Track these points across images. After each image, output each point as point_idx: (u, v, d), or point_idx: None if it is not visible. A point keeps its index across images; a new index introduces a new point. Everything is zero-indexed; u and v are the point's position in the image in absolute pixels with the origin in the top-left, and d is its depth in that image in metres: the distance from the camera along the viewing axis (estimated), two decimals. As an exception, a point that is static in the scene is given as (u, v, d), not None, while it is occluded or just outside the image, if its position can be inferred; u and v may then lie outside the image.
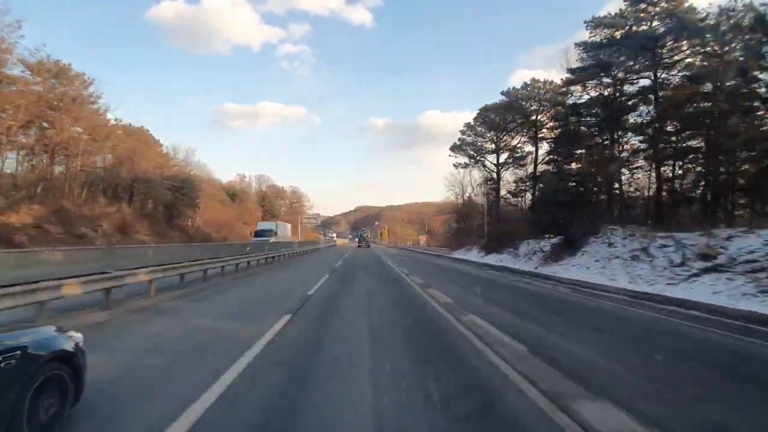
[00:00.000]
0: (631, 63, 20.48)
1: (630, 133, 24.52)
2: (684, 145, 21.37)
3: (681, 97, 19.44)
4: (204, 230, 48.91)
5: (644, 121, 21.13)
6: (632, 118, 23.81)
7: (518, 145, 38.10)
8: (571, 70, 23.68)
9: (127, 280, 8.11)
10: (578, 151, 30.99)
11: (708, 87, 19.42)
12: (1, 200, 24.14)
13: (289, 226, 49.14)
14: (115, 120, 40.86)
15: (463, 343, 5.55)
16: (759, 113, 17.32)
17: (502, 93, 34.91)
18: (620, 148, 24.15)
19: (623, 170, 21.85)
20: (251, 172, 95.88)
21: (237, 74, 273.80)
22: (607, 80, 24.56)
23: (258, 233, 36.70)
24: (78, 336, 3.08)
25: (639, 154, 22.74)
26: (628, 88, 23.08)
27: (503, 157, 39.44)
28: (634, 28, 21.64)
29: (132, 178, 39.46)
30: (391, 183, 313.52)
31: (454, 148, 40.87)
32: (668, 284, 10.96)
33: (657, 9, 20.89)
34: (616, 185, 23.09)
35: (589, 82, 24.87)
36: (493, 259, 25.24)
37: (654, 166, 20.15)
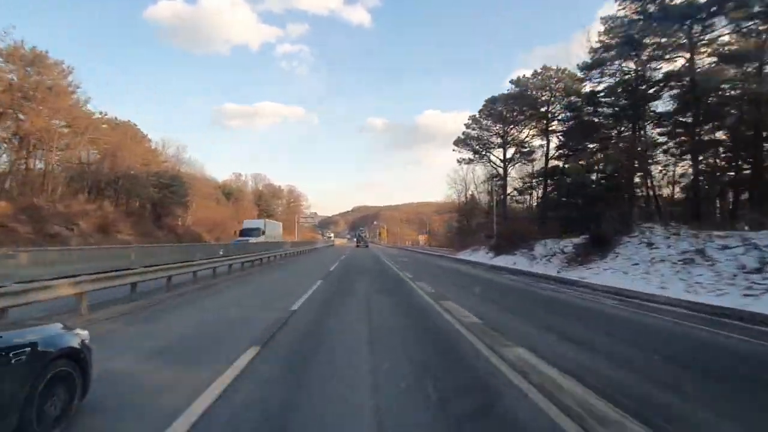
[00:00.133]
0: (664, 39, 18.18)
1: (651, 123, 22.33)
2: (716, 134, 19.22)
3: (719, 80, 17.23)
4: (194, 230, 46.62)
5: (675, 107, 18.83)
6: (659, 106, 21.64)
7: (526, 139, 35.93)
8: (595, 49, 21.28)
9: (36, 296, 5.85)
10: (591, 145, 28.98)
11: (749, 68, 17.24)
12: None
13: (279, 224, 45.43)
14: (100, 113, 38.60)
15: (530, 411, 3.29)
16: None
17: (512, 82, 32.71)
18: (644, 139, 21.92)
19: (652, 162, 19.54)
20: (248, 171, 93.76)
21: (236, 74, 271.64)
22: (628, 66, 22.35)
23: (244, 232, 32.81)
24: (84, 333, 3.12)
25: (663, 145, 20.45)
26: (654, 74, 20.85)
27: (510, 152, 37.26)
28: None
29: (116, 174, 37.16)
30: (390, 183, 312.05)
31: (458, 143, 38.65)
32: (745, 295, 8.74)
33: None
34: (639, 179, 20.82)
35: (611, 66, 22.67)
36: (504, 260, 23.00)
37: (690, 157, 17.84)
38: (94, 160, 36.67)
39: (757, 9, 15.50)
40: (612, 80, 23.43)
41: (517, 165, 37.73)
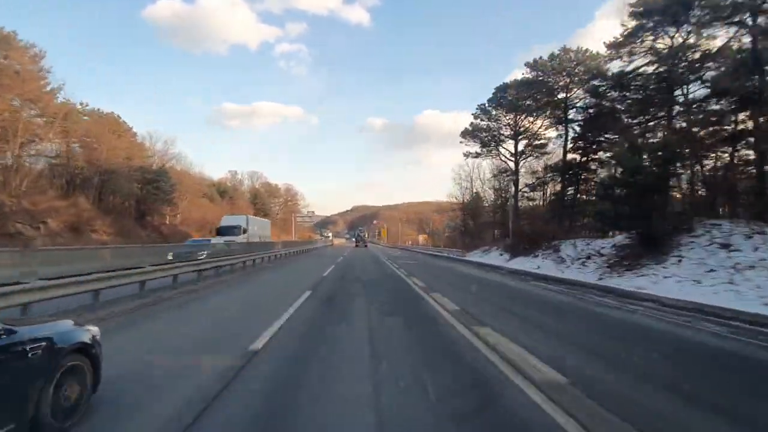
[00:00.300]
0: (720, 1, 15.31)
1: (698, 104, 19.43)
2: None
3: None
4: (182, 229, 43.68)
5: (731, 85, 15.88)
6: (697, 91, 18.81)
7: (539, 131, 33.09)
8: (634, 14, 18.26)
9: None
10: (607, 136, 26.15)
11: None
12: None
13: (267, 222, 40.85)
14: (81, 104, 35.69)
15: None
16: None
17: (527, 64, 29.66)
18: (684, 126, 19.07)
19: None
20: (244, 169, 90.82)
21: (235, 74, 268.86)
22: (661, 44, 19.50)
23: (222, 230, 27.48)
24: (95, 329, 3.21)
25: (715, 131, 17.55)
26: (699, 46, 18.00)
27: (521, 144, 34.40)
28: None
29: (96, 169, 34.19)
30: (389, 183, 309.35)
31: (465, 134, 35.69)
32: None
33: None
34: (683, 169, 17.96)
35: (644, 42, 19.85)
36: (523, 263, 20.13)
37: (755, 145, 14.88)
38: (65, 152, 33.53)
39: None
40: (645, 59, 20.69)
41: (528, 159, 34.94)
